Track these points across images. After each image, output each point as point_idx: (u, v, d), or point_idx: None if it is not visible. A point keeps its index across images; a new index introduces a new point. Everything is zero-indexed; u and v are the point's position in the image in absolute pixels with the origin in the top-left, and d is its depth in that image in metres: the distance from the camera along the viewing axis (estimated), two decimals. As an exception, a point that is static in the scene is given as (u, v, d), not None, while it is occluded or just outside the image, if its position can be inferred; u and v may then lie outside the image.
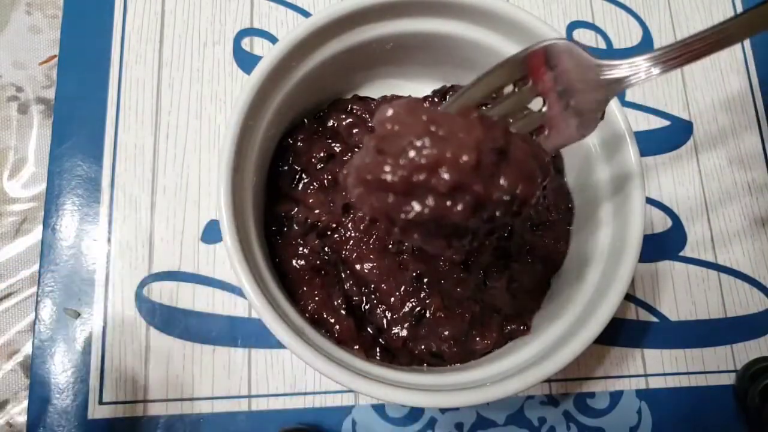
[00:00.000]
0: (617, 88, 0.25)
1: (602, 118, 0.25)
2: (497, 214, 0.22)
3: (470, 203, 0.21)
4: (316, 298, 0.31)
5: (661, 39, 0.45)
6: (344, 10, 0.31)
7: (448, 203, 0.21)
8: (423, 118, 0.21)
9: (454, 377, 0.29)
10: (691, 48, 0.24)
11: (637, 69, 0.25)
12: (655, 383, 0.38)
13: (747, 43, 0.45)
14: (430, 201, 0.21)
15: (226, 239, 0.28)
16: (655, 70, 0.24)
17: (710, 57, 0.45)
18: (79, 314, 0.37)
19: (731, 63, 0.45)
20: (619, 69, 0.25)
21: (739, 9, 0.46)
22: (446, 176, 0.20)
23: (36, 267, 0.38)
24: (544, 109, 0.26)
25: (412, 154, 0.20)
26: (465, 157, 0.20)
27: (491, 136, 0.21)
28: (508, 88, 0.26)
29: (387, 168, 0.21)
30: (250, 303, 0.27)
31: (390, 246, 0.32)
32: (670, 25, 0.45)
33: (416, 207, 0.21)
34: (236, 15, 0.43)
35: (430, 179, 0.20)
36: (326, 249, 0.32)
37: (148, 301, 0.37)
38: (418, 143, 0.20)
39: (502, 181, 0.21)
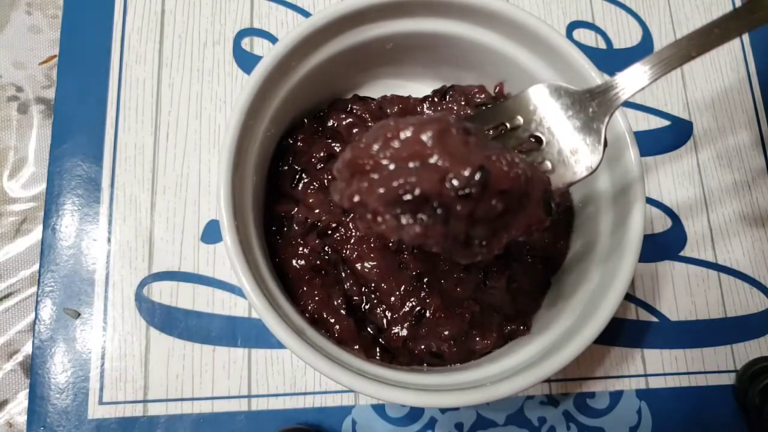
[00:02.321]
0: (608, 110, 0.26)
1: (605, 145, 0.26)
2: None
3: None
4: (316, 298, 0.31)
5: (661, 39, 0.45)
6: (344, 10, 0.31)
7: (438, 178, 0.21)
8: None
9: (454, 377, 0.29)
10: (663, 57, 0.25)
11: (622, 84, 0.25)
12: (655, 383, 0.38)
13: (747, 43, 0.45)
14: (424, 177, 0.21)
15: (226, 239, 0.28)
16: (642, 82, 0.25)
17: (710, 57, 0.45)
18: (79, 314, 0.37)
19: (731, 63, 0.45)
20: (606, 91, 0.26)
21: (739, 9, 0.46)
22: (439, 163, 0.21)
23: (36, 267, 0.38)
24: (544, 147, 0.27)
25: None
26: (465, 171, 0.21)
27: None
28: (501, 129, 0.27)
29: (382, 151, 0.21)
30: (250, 303, 0.27)
31: (390, 244, 0.32)
32: (670, 25, 0.45)
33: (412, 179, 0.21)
34: (236, 15, 0.43)
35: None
36: (326, 249, 0.32)
37: (148, 301, 0.37)
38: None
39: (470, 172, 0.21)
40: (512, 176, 0.21)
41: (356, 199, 0.22)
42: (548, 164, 0.26)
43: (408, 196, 0.20)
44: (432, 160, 0.21)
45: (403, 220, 0.21)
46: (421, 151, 0.21)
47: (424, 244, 0.22)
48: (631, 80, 0.25)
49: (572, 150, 0.26)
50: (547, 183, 0.24)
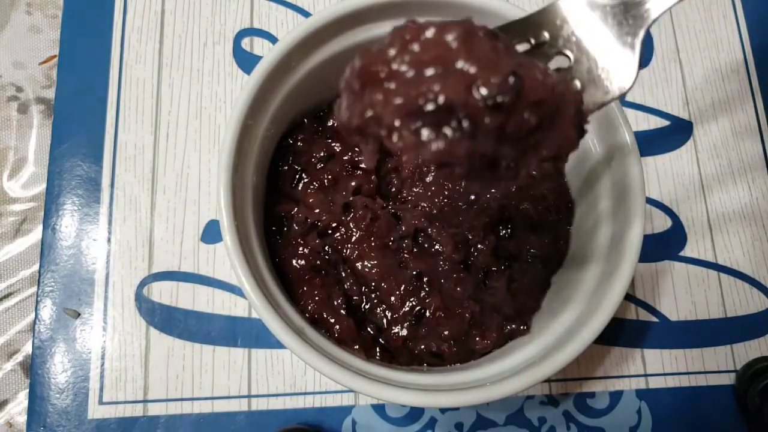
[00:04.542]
0: (644, 23, 0.23)
1: (641, 62, 0.23)
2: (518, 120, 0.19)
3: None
4: (316, 298, 0.31)
5: (661, 39, 0.45)
6: (344, 10, 0.31)
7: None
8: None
9: (454, 377, 0.29)
10: None
11: None
12: (655, 383, 0.38)
13: (747, 42, 0.45)
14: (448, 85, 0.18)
15: (226, 239, 0.28)
16: None
17: (710, 57, 0.45)
18: (79, 314, 0.37)
19: (731, 63, 0.45)
20: (642, 3, 0.23)
21: (739, 9, 0.46)
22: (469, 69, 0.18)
23: (36, 267, 0.38)
24: (572, 65, 0.24)
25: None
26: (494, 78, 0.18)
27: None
28: (525, 46, 0.25)
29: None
30: (250, 303, 0.27)
31: (390, 243, 0.32)
32: (670, 25, 0.45)
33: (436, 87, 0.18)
34: (236, 15, 0.43)
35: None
36: (326, 248, 0.32)
37: (148, 301, 0.37)
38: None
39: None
40: (548, 85, 0.19)
41: (368, 114, 0.19)
42: (577, 83, 0.24)
43: (430, 106, 0.18)
44: (458, 65, 0.18)
45: (424, 136, 0.18)
46: (444, 54, 0.18)
47: (446, 164, 0.19)
48: None
49: (603, 68, 0.24)
50: (579, 100, 0.21)
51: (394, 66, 0.18)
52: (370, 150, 0.21)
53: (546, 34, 0.24)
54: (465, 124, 0.18)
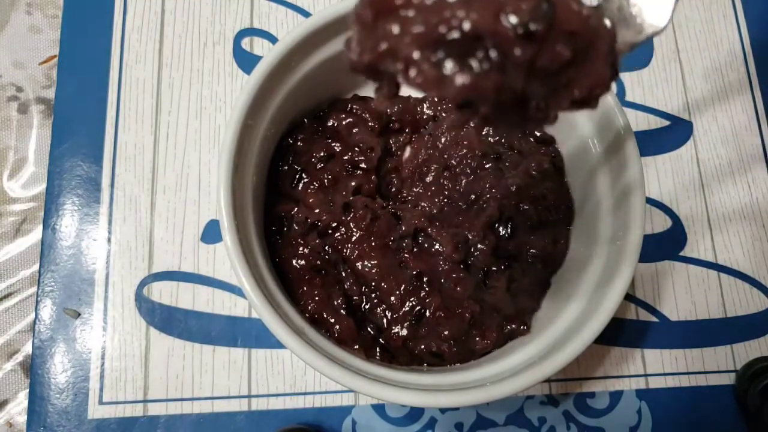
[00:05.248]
0: None
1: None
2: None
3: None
4: (316, 298, 0.31)
5: (661, 39, 0.45)
6: (344, 10, 0.31)
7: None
8: None
9: (454, 377, 0.29)
10: None
11: None
12: (655, 383, 0.38)
13: (747, 42, 0.45)
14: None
15: (226, 239, 0.28)
16: None
17: (710, 57, 0.45)
18: (79, 314, 0.37)
19: (731, 63, 0.45)
20: None
21: (739, 9, 0.46)
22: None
23: (36, 267, 0.38)
24: (602, 2, 0.21)
25: None
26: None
27: None
28: None
29: None
30: (250, 303, 0.27)
31: (390, 243, 0.32)
32: (671, 25, 0.45)
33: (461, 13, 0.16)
34: (236, 15, 0.43)
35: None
36: (326, 248, 0.32)
37: (148, 301, 0.37)
38: None
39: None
40: (582, 15, 0.17)
41: (383, 46, 0.17)
42: (607, 22, 0.21)
43: (454, 35, 0.16)
44: None
45: (447, 69, 0.16)
46: None
47: (470, 103, 0.17)
48: None
49: (636, 5, 0.22)
50: (613, 36, 0.19)
51: None
52: (384, 94, 0.20)
53: None
54: (493, 54, 0.16)
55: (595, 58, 0.18)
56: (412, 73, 0.16)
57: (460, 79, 0.16)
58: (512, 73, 0.16)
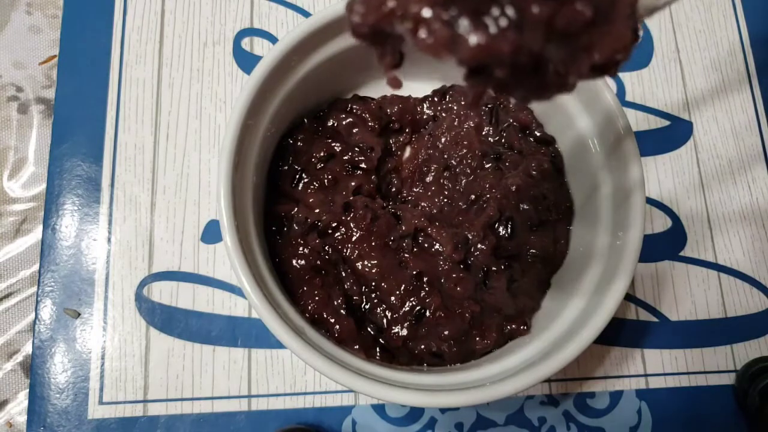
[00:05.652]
0: None
1: None
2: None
3: None
4: (316, 298, 0.31)
5: (661, 39, 0.45)
6: (344, 10, 0.31)
7: None
8: None
9: (454, 377, 0.29)
10: None
11: None
12: (655, 383, 0.38)
13: (747, 42, 0.45)
14: None
15: (226, 239, 0.28)
16: None
17: (710, 57, 0.45)
18: (79, 314, 0.37)
19: (731, 63, 0.45)
20: None
21: (739, 9, 0.46)
22: None
23: (36, 267, 0.38)
24: None
25: None
26: None
27: None
28: None
29: None
30: (250, 303, 0.27)
31: (390, 243, 0.32)
32: (671, 25, 0.45)
33: None
34: (236, 15, 0.43)
35: None
36: (326, 248, 0.32)
37: (148, 301, 0.37)
38: None
39: None
40: None
41: (390, 4, 0.15)
42: None
43: None
44: None
45: (461, 28, 0.15)
46: None
47: (484, 66, 0.15)
48: None
49: None
50: None
51: None
52: (389, 61, 0.18)
53: None
54: (510, 12, 0.15)
55: (616, 20, 0.17)
56: (422, 33, 0.15)
57: (473, 40, 0.15)
58: (530, 33, 0.15)
